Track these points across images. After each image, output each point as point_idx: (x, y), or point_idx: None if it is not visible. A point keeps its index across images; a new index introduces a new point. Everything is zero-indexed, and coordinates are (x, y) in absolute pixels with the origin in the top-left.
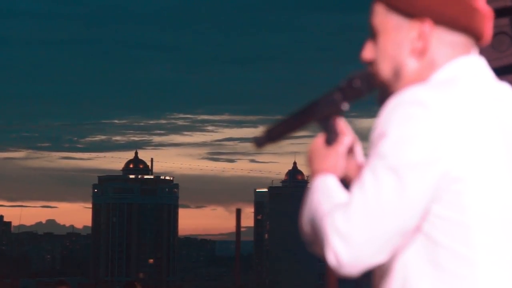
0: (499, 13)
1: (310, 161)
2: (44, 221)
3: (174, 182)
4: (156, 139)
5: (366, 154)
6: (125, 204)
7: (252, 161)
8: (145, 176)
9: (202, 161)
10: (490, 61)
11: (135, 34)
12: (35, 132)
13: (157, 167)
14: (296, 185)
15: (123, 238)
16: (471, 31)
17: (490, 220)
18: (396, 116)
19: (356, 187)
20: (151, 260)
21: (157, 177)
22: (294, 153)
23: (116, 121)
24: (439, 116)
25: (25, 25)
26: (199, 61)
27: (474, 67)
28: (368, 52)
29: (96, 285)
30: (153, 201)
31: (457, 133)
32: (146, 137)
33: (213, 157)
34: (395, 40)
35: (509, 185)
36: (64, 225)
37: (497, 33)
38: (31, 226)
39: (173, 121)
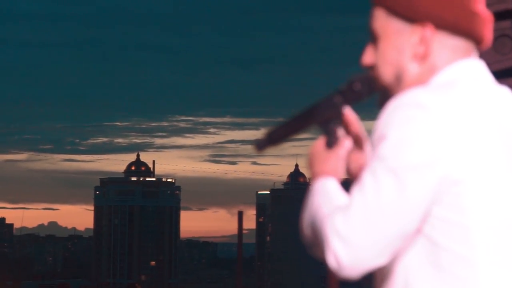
0: (501, 16)
1: (310, 164)
2: (46, 223)
3: (176, 184)
4: (158, 141)
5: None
6: (127, 206)
7: (254, 163)
8: (147, 178)
9: (204, 163)
10: (492, 64)
11: (137, 36)
12: (37, 134)
13: (159, 169)
14: (298, 188)
15: (125, 240)
16: (472, 35)
17: (490, 221)
18: (396, 118)
19: (356, 189)
20: (153, 262)
21: (159, 179)
22: (296, 155)
23: (118, 123)
24: (439, 118)
25: (26, 27)
26: (201, 63)
27: (473, 70)
28: (368, 56)
29: (98, 287)
30: (155, 203)
31: (457, 135)
32: (148, 139)
33: (215, 159)
34: (396, 44)
35: (508, 187)
36: (66, 227)
37: (498, 36)
38: (33, 228)
39: (175, 123)
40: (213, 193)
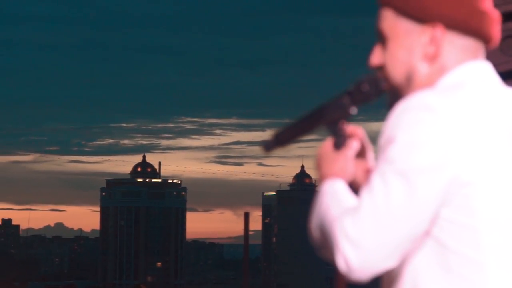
0: (508, 17)
1: (318, 165)
2: (52, 225)
3: (182, 185)
4: (164, 142)
5: (375, 159)
6: (133, 207)
7: (260, 164)
8: (153, 180)
9: (210, 165)
10: (499, 65)
11: (142, 38)
12: (43, 135)
13: (165, 171)
14: (304, 189)
15: (131, 241)
16: (481, 35)
17: (499, 223)
18: (404, 121)
19: (365, 192)
20: (159, 264)
21: (165, 181)
22: (302, 156)
23: (124, 124)
24: (447, 120)
25: (33, 29)
26: (207, 64)
27: (481, 72)
28: (376, 57)
29: None
30: (161, 205)
31: (465, 137)
32: (154, 141)
33: (221, 160)
34: (406, 45)
35: None
36: (72, 229)
37: (505, 37)
38: (40, 229)
39: (181, 124)
40: (219, 194)
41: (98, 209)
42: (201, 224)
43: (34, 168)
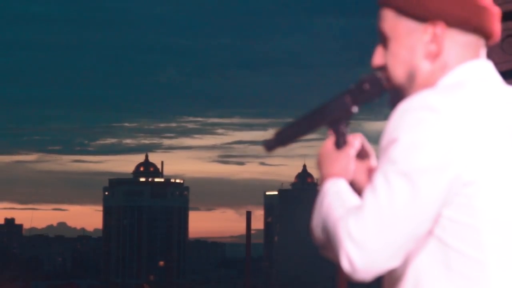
0: (509, 16)
1: (319, 164)
2: (55, 224)
3: (185, 185)
4: (166, 142)
5: (377, 159)
6: (136, 206)
7: (262, 164)
8: (156, 179)
9: (212, 164)
10: (500, 64)
11: (145, 38)
12: (46, 135)
13: (168, 170)
14: (306, 188)
15: (133, 240)
16: (482, 31)
17: (501, 223)
18: (407, 121)
19: (368, 192)
20: (161, 263)
21: (168, 180)
22: (304, 156)
23: (126, 124)
24: (450, 120)
25: (35, 29)
26: (209, 64)
27: (482, 70)
28: (378, 57)
29: (107, 287)
30: (164, 204)
31: (468, 136)
32: (156, 140)
33: (223, 160)
34: (408, 44)
35: None
36: (75, 228)
37: (506, 36)
38: (42, 229)
39: (183, 124)
40: (221, 194)
41: (100, 208)
42: (203, 223)
43: (37, 168)
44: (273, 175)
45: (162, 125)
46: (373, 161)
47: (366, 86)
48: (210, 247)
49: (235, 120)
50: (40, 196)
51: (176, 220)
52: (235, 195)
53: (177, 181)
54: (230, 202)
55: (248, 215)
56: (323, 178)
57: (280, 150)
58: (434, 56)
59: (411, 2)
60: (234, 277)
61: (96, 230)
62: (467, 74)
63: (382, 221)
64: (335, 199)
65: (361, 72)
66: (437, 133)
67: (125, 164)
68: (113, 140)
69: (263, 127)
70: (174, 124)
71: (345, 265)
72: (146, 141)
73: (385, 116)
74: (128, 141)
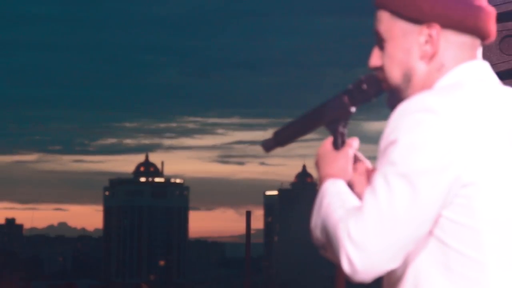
0: (507, 16)
1: (318, 164)
2: (55, 224)
3: (185, 184)
4: (167, 142)
5: (376, 161)
6: (136, 206)
7: (262, 163)
8: (156, 179)
9: (212, 164)
10: (498, 64)
11: (145, 38)
12: (46, 135)
13: (168, 170)
14: (305, 188)
15: (134, 240)
16: (477, 32)
17: (500, 223)
18: (406, 123)
19: (368, 194)
20: (161, 262)
21: (168, 180)
22: (303, 155)
23: (127, 124)
24: (449, 121)
25: (36, 29)
26: (209, 64)
27: (479, 71)
28: (375, 58)
29: (107, 287)
30: (164, 204)
31: (467, 138)
32: (156, 140)
33: (223, 160)
34: (403, 46)
35: None
36: (75, 228)
37: (504, 37)
38: (43, 229)
39: (184, 124)
40: (221, 194)
41: (101, 208)
42: (203, 223)
43: (38, 168)
44: (273, 175)
45: (162, 125)
46: (365, 162)
47: (364, 86)
48: (210, 247)
49: (235, 120)
50: (41, 196)
51: (176, 220)
52: (235, 195)
53: (177, 181)
54: (230, 202)
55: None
56: (321, 179)
57: (279, 150)
58: (429, 57)
59: (406, 4)
60: (234, 276)
61: (96, 230)
62: (465, 75)
63: (382, 223)
64: (335, 200)
65: (360, 73)
66: (436, 135)
67: (126, 164)
68: (114, 140)
69: (263, 127)
70: (174, 124)
71: (345, 266)
72: (147, 141)
73: (383, 116)
74: (129, 141)
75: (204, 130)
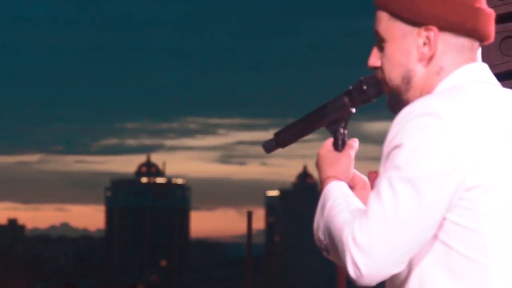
0: (507, 17)
1: (319, 166)
2: (57, 224)
3: (186, 185)
4: (168, 142)
5: (379, 165)
6: (138, 207)
7: (263, 164)
8: (158, 179)
9: (214, 164)
10: (498, 65)
11: (147, 39)
12: (48, 136)
13: (169, 170)
14: (306, 188)
15: (135, 240)
16: (476, 34)
17: (505, 227)
18: (410, 127)
19: (373, 198)
20: (163, 263)
21: (169, 180)
22: (304, 156)
23: (128, 125)
24: (453, 125)
25: (38, 30)
26: (211, 65)
27: (479, 73)
28: (374, 59)
29: (109, 287)
30: (166, 204)
31: (471, 141)
32: (158, 141)
33: (225, 160)
34: (403, 47)
35: None
36: (77, 228)
37: (504, 38)
38: (45, 229)
39: (185, 124)
40: (222, 194)
41: (103, 208)
42: (205, 223)
43: (40, 168)
44: (274, 176)
45: (164, 125)
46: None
47: (365, 87)
48: (212, 247)
49: (237, 120)
50: (43, 197)
51: (178, 220)
52: (237, 195)
53: (179, 181)
54: (231, 202)
55: (249, 215)
56: (323, 180)
57: (280, 151)
58: (427, 59)
59: (404, 6)
60: (235, 276)
61: (98, 230)
62: (465, 77)
63: (387, 227)
64: (338, 202)
65: (360, 73)
66: (441, 139)
67: (127, 164)
68: (116, 141)
69: (264, 127)
70: (176, 125)
71: (350, 270)
72: (148, 142)
73: (383, 117)
74: (130, 141)
75: (205, 130)
